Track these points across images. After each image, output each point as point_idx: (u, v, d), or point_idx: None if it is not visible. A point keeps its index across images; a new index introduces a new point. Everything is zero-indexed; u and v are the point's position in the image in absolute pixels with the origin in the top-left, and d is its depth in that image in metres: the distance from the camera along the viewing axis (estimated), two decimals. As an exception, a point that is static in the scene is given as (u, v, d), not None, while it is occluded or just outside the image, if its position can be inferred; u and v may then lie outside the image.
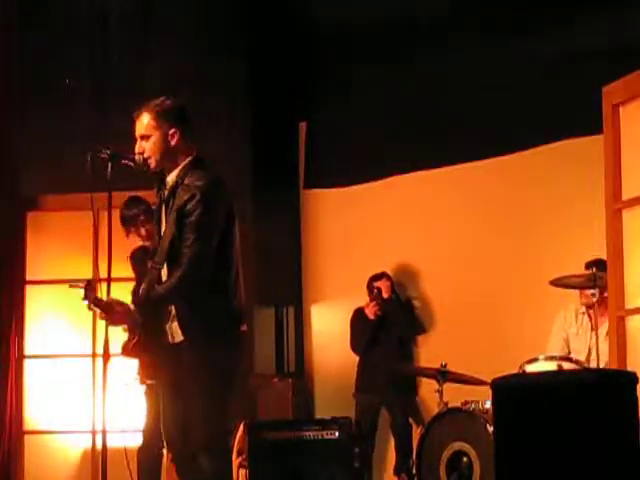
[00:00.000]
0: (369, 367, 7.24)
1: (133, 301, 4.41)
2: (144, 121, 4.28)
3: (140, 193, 5.67)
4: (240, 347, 4.32)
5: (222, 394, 4.25)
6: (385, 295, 7.17)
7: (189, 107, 4.42)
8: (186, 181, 4.26)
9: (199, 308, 4.21)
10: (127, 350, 4.27)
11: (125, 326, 4.26)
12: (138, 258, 5.52)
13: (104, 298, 4.14)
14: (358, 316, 7.33)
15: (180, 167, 4.31)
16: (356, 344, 7.33)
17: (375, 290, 7.20)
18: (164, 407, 4.30)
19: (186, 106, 4.41)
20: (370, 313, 7.18)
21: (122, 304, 4.20)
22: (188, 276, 4.16)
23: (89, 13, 7.48)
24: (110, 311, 4.16)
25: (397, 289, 7.40)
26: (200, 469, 4.19)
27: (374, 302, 7.15)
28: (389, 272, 7.40)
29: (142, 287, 4.24)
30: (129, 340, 4.26)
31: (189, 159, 4.32)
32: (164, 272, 4.26)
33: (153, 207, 4.52)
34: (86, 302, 4.14)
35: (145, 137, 4.28)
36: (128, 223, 5.65)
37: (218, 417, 4.24)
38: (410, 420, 7.18)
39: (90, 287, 4.14)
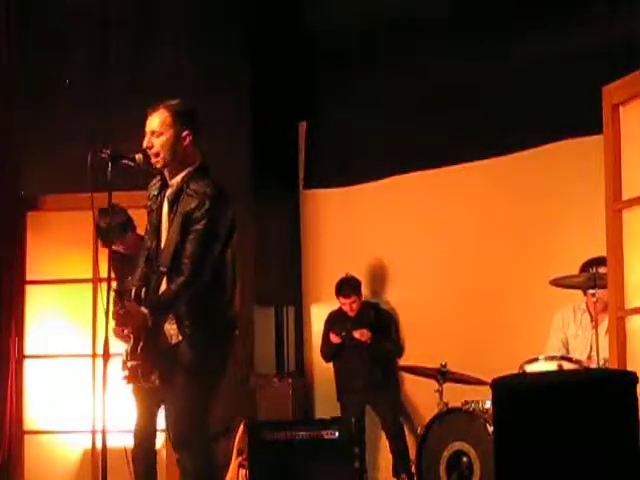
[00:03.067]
0: (344, 370, 7.29)
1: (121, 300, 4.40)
2: (160, 117, 4.31)
3: (140, 193, 5.67)
4: (232, 351, 4.41)
5: (210, 395, 4.34)
6: (363, 338, 7.16)
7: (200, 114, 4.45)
8: (192, 187, 4.28)
9: (197, 311, 4.25)
10: (135, 355, 4.27)
11: (127, 332, 4.27)
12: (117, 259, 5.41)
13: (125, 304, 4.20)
14: (329, 322, 7.36)
15: (185, 172, 4.33)
16: (324, 353, 7.40)
17: (348, 329, 7.20)
18: (169, 408, 4.32)
19: (199, 113, 4.43)
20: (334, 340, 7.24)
21: (136, 307, 4.22)
22: (189, 283, 4.21)
23: (89, 12, 7.48)
24: (128, 313, 4.20)
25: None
26: (182, 466, 4.28)
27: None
28: (388, 272, 7.42)
29: (143, 290, 4.26)
30: (135, 345, 4.27)
31: (195, 165, 4.36)
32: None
33: (152, 207, 4.50)
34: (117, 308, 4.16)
35: (157, 133, 4.30)
36: (109, 236, 5.41)
37: (202, 417, 4.30)
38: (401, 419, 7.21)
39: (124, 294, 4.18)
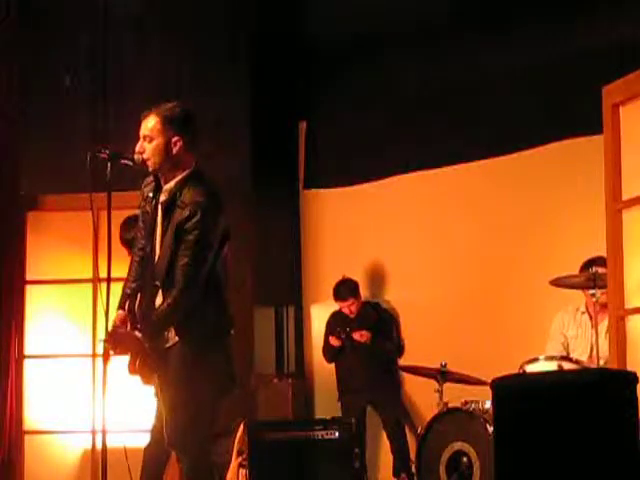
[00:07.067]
0: (344, 370, 7.29)
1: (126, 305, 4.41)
2: (150, 123, 4.30)
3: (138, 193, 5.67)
4: (229, 353, 4.40)
5: (207, 398, 4.31)
6: (362, 339, 7.16)
7: (197, 118, 4.43)
8: (185, 195, 4.26)
9: (194, 316, 4.25)
10: (133, 369, 4.28)
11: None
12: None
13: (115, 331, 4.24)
14: (331, 323, 7.36)
15: (179, 178, 4.32)
16: (326, 354, 7.42)
17: (348, 330, 7.19)
18: (165, 410, 4.31)
19: (194, 117, 4.41)
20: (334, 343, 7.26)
21: (129, 333, 4.24)
22: (184, 295, 4.21)
23: (89, 12, 7.48)
24: (120, 342, 4.22)
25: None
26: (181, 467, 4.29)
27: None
28: (388, 272, 7.41)
29: (137, 305, 4.27)
30: (133, 359, 4.27)
31: (188, 171, 4.34)
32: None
33: (144, 210, 4.46)
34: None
35: (148, 138, 4.30)
36: (131, 245, 5.60)
37: (199, 419, 4.28)
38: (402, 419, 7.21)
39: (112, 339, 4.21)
